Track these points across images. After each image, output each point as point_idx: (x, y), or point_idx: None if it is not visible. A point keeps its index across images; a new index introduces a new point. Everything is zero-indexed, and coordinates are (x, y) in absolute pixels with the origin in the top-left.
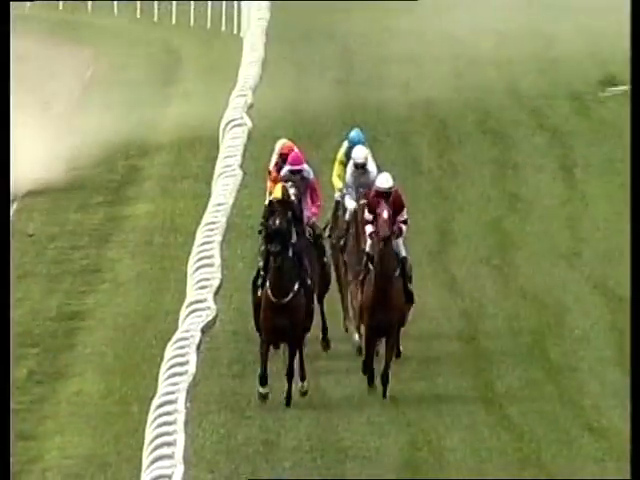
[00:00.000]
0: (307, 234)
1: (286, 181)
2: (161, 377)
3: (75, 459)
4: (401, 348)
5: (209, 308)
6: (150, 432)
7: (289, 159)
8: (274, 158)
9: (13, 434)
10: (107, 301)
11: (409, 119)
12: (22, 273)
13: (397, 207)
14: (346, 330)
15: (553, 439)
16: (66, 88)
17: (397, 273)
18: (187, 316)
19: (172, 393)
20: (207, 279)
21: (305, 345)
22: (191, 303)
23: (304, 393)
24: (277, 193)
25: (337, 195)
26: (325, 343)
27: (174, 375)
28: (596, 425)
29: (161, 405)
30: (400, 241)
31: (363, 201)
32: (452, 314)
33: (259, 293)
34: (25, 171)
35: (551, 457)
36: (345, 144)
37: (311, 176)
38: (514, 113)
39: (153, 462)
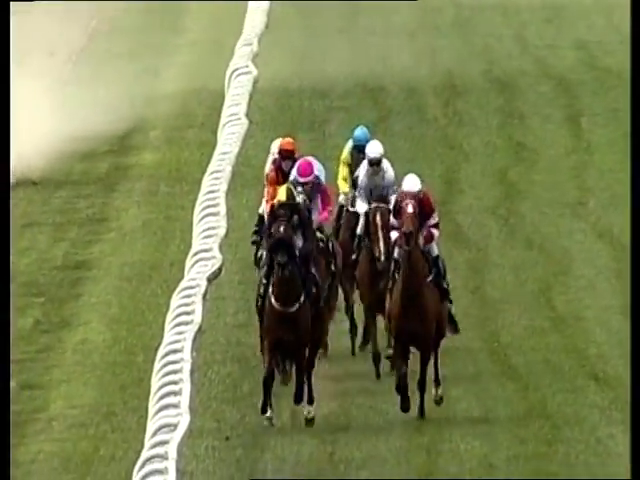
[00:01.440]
0: (317, 239)
1: (294, 186)
2: (167, 326)
3: (81, 408)
4: (440, 371)
5: (215, 257)
6: (156, 381)
7: (298, 170)
8: (270, 159)
9: (18, 384)
10: (113, 250)
11: (415, 68)
12: (27, 222)
13: (427, 210)
14: (353, 350)
15: (558, 388)
16: (71, 38)
17: (430, 278)
18: (193, 265)
19: (178, 342)
20: (213, 228)
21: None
22: (197, 252)
23: (309, 420)
24: (281, 195)
25: (341, 198)
26: None
27: (180, 324)
28: (601, 374)
29: (167, 354)
30: (433, 244)
31: (374, 205)
32: (458, 264)
33: (260, 303)
34: (29, 123)
35: (557, 406)
36: (349, 143)
37: (322, 180)
38: (520, 62)
39: (159, 411)
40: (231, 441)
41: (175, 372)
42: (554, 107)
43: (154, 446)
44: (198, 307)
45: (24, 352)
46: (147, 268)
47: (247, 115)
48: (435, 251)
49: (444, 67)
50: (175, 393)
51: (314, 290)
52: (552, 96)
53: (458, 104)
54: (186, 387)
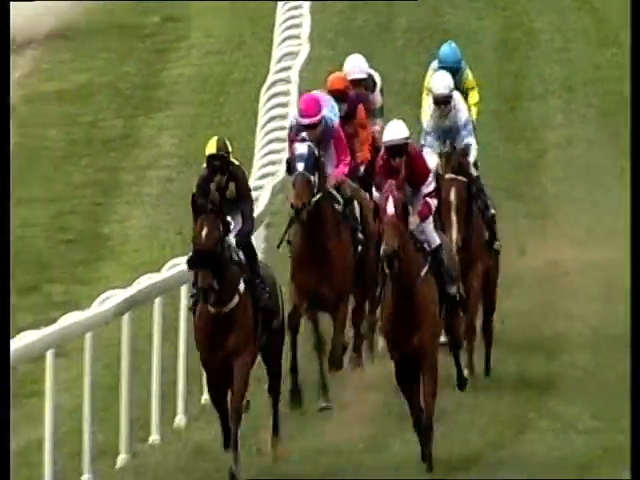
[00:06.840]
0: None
1: (295, 131)
2: None
3: (216, 38)
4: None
5: None
6: (280, 14)
7: (299, 109)
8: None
9: (161, 17)
10: None
11: None
12: None
13: (418, 173)
14: None
15: None
16: None
17: (424, 271)
18: None
19: None
20: None
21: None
22: None
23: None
24: (210, 147)
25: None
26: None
27: None
28: None
29: None
30: (429, 226)
31: (449, 176)
32: None
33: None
34: None
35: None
36: (434, 65)
37: (335, 122)
38: None
39: (283, 41)
40: None
41: (296, 8)
42: None
43: (279, 71)
44: None
45: None
46: None
47: None
48: (435, 239)
49: None
50: (296, 26)
51: (257, 280)
52: None
53: None
54: (306, 21)
